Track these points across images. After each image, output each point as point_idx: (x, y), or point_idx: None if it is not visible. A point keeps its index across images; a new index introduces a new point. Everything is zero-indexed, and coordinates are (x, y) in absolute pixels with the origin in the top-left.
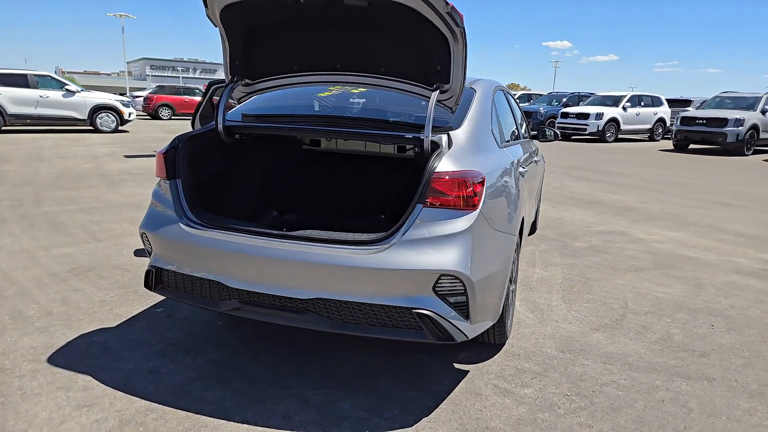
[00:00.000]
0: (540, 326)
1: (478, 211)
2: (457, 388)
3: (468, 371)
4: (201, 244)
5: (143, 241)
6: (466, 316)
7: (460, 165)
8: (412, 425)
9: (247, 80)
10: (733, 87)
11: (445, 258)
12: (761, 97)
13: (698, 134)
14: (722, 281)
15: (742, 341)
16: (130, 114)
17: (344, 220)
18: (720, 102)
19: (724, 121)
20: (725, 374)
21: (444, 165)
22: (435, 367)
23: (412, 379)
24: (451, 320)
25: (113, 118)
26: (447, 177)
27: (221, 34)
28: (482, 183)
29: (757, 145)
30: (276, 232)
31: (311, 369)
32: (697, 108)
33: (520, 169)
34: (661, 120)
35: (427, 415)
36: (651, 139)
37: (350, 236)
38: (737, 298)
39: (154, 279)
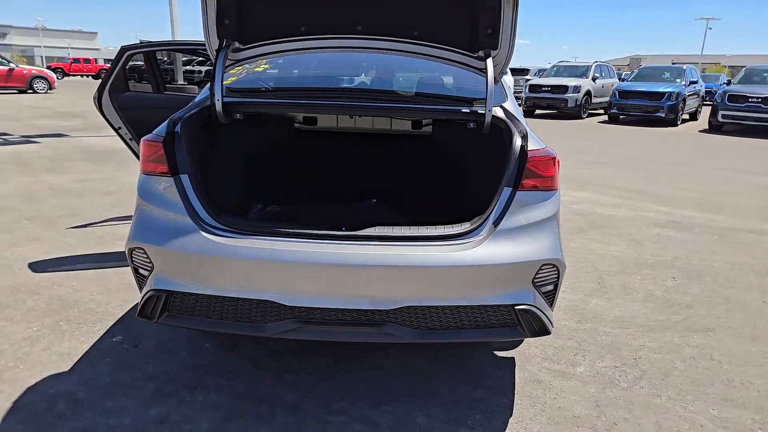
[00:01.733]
0: None
1: (558, 190)
2: (517, 379)
3: (512, 358)
4: (240, 257)
5: (132, 258)
6: (551, 304)
7: (540, 142)
8: (505, 429)
9: (238, 45)
10: (540, 56)
11: (545, 245)
12: (591, 66)
13: (545, 100)
14: (651, 235)
15: (708, 289)
16: None
17: (353, 207)
18: (558, 71)
19: (565, 88)
20: (719, 323)
21: (533, 143)
22: (478, 360)
23: (466, 377)
24: (545, 312)
25: None
26: (540, 156)
27: None
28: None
29: (590, 109)
30: (340, 233)
31: (355, 384)
32: (537, 76)
33: None
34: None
35: (510, 414)
36: None
37: (431, 230)
38: (673, 250)
39: (160, 306)
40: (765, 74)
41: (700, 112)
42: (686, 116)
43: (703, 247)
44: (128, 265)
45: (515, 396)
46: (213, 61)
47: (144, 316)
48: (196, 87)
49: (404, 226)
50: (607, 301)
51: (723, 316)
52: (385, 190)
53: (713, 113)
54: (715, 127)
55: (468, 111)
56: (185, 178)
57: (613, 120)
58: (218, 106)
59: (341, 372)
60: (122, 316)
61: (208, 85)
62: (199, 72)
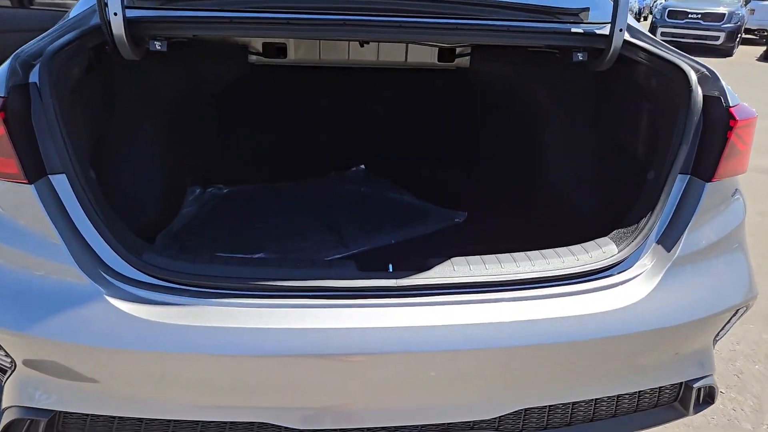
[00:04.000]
0: None
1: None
2: None
3: None
4: (198, 351)
5: None
6: None
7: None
8: None
9: None
10: None
11: (740, 277)
12: None
13: None
14: None
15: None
16: None
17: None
18: None
19: None
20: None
21: (732, 95)
22: None
23: None
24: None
25: None
26: (746, 118)
27: None
28: None
29: None
30: (391, 283)
31: None
32: None
33: None
34: None
35: None
36: None
37: (550, 261)
38: None
39: None
40: None
41: None
42: None
43: None
44: None
45: None
46: None
47: None
48: None
49: (488, 254)
50: None
51: None
52: (391, 160)
53: (652, 29)
54: None
55: (580, 32)
56: (62, 182)
57: None
58: (116, 26)
59: None
60: None
61: None
62: None
